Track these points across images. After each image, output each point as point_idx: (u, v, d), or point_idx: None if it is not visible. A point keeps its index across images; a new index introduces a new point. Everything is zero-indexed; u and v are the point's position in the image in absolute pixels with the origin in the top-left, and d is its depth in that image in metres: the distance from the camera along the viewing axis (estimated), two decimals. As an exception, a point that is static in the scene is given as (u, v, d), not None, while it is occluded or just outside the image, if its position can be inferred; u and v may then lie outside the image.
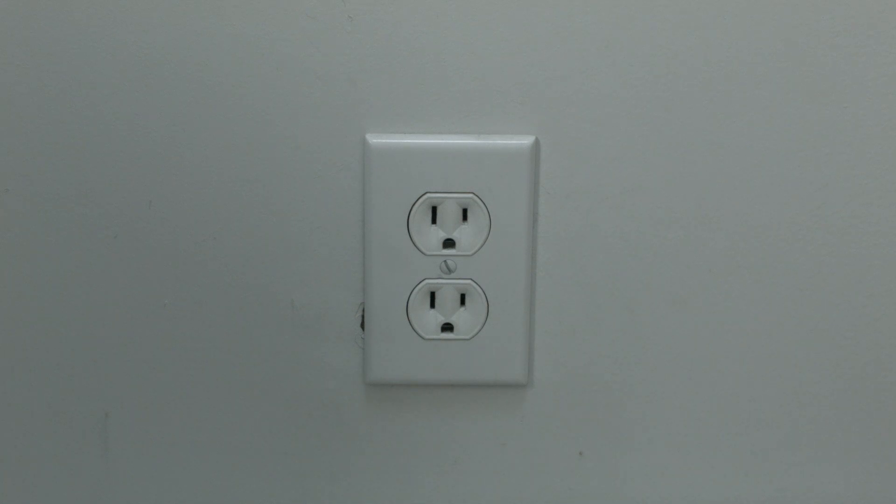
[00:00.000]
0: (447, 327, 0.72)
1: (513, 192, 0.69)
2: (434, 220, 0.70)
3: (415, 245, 0.70)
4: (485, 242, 0.70)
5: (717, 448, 0.75)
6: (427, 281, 0.71)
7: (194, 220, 0.71)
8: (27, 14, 0.67)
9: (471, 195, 0.69)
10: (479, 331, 0.71)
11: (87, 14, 0.67)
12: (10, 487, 0.76)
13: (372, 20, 0.68)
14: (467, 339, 0.72)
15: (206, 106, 0.69)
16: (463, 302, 0.71)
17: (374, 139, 0.69)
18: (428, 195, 0.69)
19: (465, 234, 0.70)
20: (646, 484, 0.76)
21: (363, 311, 0.72)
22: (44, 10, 0.67)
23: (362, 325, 0.72)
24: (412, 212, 0.69)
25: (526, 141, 0.69)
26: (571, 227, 0.71)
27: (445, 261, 0.70)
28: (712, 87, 0.69)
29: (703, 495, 0.76)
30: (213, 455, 0.75)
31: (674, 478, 0.76)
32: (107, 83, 0.68)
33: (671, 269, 0.72)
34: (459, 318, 0.72)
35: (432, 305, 0.72)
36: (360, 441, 0.75)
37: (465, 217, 0.70)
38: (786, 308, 0.72)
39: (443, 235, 0.70)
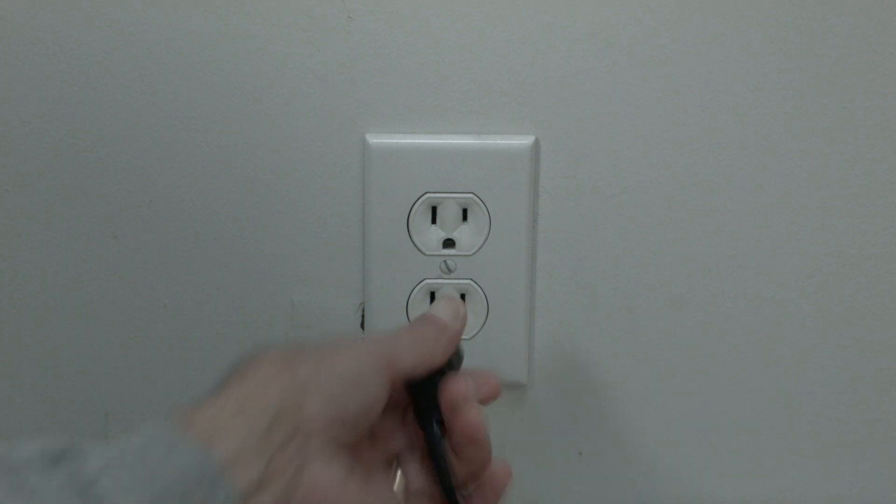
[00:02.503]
0: (447, 327, 0.72)
1: (513, 192, 0.69)
2: (434, 220, 0.70)
3: (415, 245, 0.70)
4: (485, 242, 0.70)
5: (716, 448, 0.75)
6: (427, 281, 0.71)
7: (194, 220, 0.71)
8: (27, 14, 0.67)
9: (471, 195, 0.69)
10: (479, 331, 0.71)
11: (87, 14, 0.67)
12: (10, 487, 0.76)
13: (372, 20, 0.68)
14: (467, 339, 0.72)
15: (206, 106, 0.69)
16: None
17: (374, 139, 0.69)
18: (428, 195, 0.69)
19: (465, 234, 0.70)
20: (646, 484, 0.76)
21: (363, 311, 0.72)
22: (43, 11, 0.67)
23: (362, 325, 0.72)
24: (412, 212, 0.70)
25: (526, 141, 0.69)
26: (571, 227, 0.71)
27: (445, 261, 0.70)
28: (712, 88, 0.69)
29: (703, 495, 0.76)
30: (213, 455, 0.75)
31: (673, 478, 0.76)
32: (107, 83, 0.69)
33: (671, 269, 0.72)
34: (459, 318, 0.72)
35: (432, 305, 0.72)
36: (360, 441, 0.75)
37: (465, 217, 0.70)
38: (785, 308, 0.72)
39: (443, 235, 0.70)
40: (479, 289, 0.71)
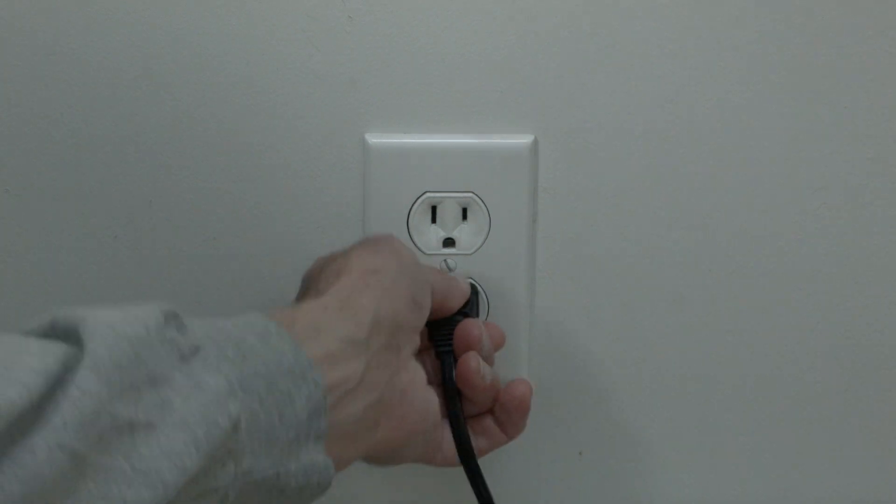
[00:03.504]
0: (447, 327, 0.72)
1: (512, 192, 0.69)
2: (434, 220, 0.70)
3: (415, 244, 0.70)
4: (484, 242, 0.70)
5: (716, 448, 0.75)
6: (427, 281, 0.71)
7: (194, 220, 0.71)
8: (27, 14, 0.68)
9: (470, 194, 0.69)
10: (479, 330, 0.71)
11: (87, 14, 0.67)
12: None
13: (372, 20, 0.68)
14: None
15: (205, 106, 0.69)
16: (463, 302, 0.71)
17: (374, 139, 0.69)
18: (427, 195, 0.69)
19: (464, 234, 0.70)
20: (646, 484, 0.76)
21: (363, 311, 0.72)
22: (44, 11, 0.67)
23: (362, 325, 0.72)
24: (412, 211, 0.69)
25: (525, 140, 0.69)
26: (571, 227, 0.71)
27: (445, 260, 0.70)
28: (712, 87, 0.69)
29: (704, 495, 0.76)
30: (213, 455, 0.75)
31: (674, 478, 0.75)
32: (107, 83, 0.69)
33: (671, 269, 0.72)
34: (459, 317, 0.72)
35: (432, 305, 0.71)
36: (360, 441, 0.75)
37: (464, 216, 0.70)
38: (785, 308, 0.72)
39: (442, 235, 0.70)
40: (479, 288, 0.71)
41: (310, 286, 0.60)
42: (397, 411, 0.58)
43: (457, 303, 0.65)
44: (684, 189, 0.70)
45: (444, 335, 0.65)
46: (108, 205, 0.71)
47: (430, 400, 0.61)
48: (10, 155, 0.70)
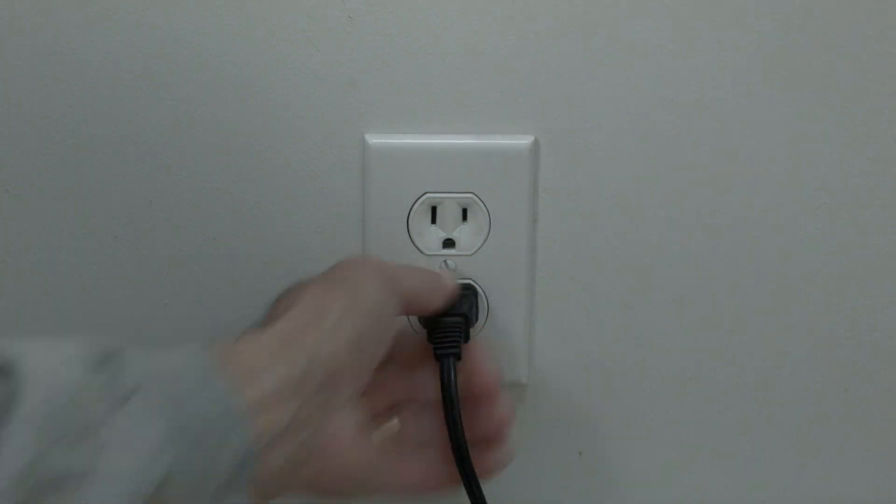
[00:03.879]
0: (447, 327, 0.72)
1: (512, 192, 0.69)
2: (434, 220, 0.70)
3: (415, 245, 0.70)
4: (485, 242, 0.70)
5: (716, 448, 0.75)
6: (427, 281, 0.71)
7: (194, 220, 0.71)
8: (27, 14, 0.68)
9: (470, 195, 0.69)
10: (480, 331, 0.71)
11: (87, 14, 0.67)
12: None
13: (372, 20, 0.68)
14: (467, 340, 0.72)
15: (205, 106, 0.69)
16: (463, 302, 0.71)
17: (374, 139, 0.69)
18: (428, 195, 0.69)
19: (464, 234, 0.70)
20: (646, 484, 0.76)
21: (363, 311, 0.72)
22: (44, 11, 0.67)
23: (362, 325, 0.72)
24: (412, 212, 0.69)
25: (525, 140, 0.69)
26: (571, 227, 0.71)
27: (445, 261, 0.70)
28: (712, 87, 0.69)
29: (704, 495, 0.76)
30: (213, 455, 0.75)
31: (673, 478, 0.76)
32: (107, 83, 0.69)
33: (671, 269, 0.72)
34: (459, 318, 0.72)
35: (432, 305, 0.71)
36: (360, 441, 0.75)
37: (464, 217, 0.70)
38: (786, 308, 0.72)
39: (443, 235, 0.70)
40: (479, 289, 0.71)
41: (272, 311, 0.59)
42: (319, 461, 0.56)
43: (438, 303, 0.64)
44: (684, 189, 0.70)
45: (440, 337, 0.64)
46: (108, 205, 0.71)
47: (352, 458, 0.59)
48: (10, 155, 0.70)
